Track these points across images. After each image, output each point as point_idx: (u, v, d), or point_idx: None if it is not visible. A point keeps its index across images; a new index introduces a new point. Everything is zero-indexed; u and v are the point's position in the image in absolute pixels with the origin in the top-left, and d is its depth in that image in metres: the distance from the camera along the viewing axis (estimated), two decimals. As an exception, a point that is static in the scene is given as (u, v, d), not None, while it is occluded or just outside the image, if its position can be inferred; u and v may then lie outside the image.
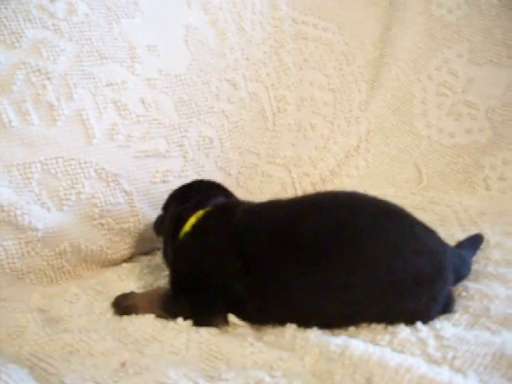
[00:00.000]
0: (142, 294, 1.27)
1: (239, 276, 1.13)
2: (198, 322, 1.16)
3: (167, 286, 1.26)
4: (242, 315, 1.16)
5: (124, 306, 1.24)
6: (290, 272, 1.11)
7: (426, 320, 1.07)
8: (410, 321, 1.07)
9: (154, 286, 1.35)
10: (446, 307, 1.11)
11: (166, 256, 1.32)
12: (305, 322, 1.10)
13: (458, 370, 0.94)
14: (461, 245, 1.30)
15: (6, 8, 1.35)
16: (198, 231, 1.22)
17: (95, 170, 1.41)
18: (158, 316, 1.19)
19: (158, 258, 1.47)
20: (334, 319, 1.10)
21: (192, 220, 1.24)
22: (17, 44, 1.35)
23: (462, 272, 1.19)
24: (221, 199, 1.32)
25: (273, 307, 1.13)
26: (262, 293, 1.13)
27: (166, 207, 1.38)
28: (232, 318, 1.16)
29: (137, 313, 1.21)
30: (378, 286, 1.06)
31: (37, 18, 1.38)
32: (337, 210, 1.14)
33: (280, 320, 1.13)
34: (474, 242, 1.34)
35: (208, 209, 1.26)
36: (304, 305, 1.11)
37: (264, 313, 1.15)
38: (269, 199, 1.32)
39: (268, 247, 1.14)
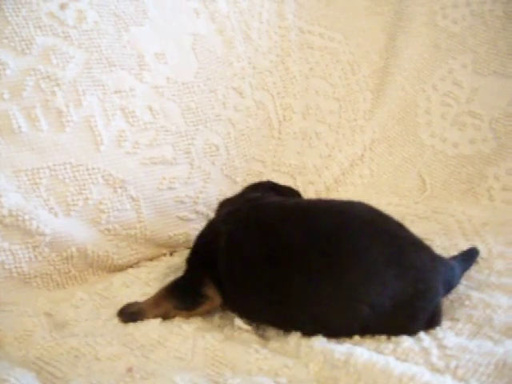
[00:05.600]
0: (146, 299, 1.27)
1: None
2: (188, 308, 1.20)
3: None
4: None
5: (130, 312, 1.24)
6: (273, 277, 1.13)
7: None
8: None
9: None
10: (432, 321, 1.10)
11: None
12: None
13: (461, 379, 0.95)
14: (454, 257, 1.27)
15: (16, 15, 1.37)
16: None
17: (103, 176, 1.43)
18: (166, 313, 1.21)
19: (163, 264, 1.48)
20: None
21: None
22: (27, 51, 1.37)
23: (452, 282, 1.18)
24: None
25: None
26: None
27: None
28: (238, 322, 1.17)
29: (144, 317, 1.22)
30: (356, 307, 1.06)
31: (47, 25, 1.40)
32: (324, 224, 1.14)
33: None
34: (468, 255, 1.31)
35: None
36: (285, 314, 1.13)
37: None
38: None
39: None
